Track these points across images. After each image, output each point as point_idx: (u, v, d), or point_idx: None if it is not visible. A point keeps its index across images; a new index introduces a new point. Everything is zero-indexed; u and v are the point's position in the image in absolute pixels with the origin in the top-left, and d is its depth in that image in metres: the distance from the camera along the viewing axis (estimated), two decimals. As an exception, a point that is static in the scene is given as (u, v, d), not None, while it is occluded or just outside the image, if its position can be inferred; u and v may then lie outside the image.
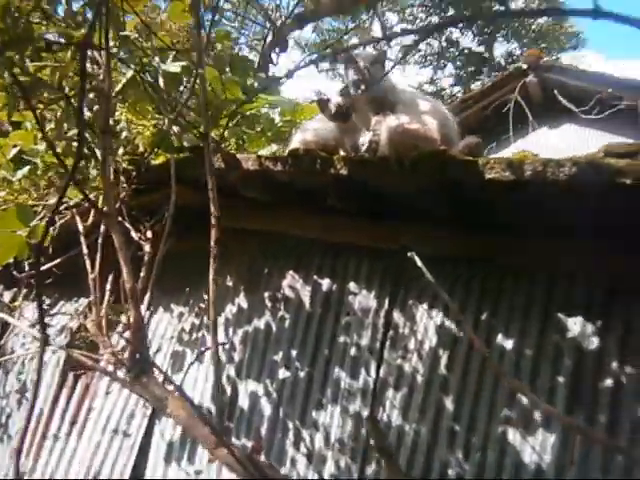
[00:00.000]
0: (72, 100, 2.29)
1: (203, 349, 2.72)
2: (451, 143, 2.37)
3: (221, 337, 2.91)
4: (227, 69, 2.72)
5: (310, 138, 2.65)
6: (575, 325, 2.18)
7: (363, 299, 2.61)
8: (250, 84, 2.72)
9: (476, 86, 12.82)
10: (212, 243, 1.26)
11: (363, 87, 2.37)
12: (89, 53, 2.41)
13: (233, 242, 2.98)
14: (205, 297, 3.06)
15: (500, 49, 14.64)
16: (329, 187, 2.48)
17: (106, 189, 1.52)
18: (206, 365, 2.87)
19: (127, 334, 2.28)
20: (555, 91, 6.32)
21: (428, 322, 2.45)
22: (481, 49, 14.38)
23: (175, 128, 2.88)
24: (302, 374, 2.65)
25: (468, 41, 14.34)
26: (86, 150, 2.39)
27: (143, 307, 2.23)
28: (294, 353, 2.70)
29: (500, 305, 2.33)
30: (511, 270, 2.34)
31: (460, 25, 13.96)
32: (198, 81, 1.85)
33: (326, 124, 2.63)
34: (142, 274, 2.23)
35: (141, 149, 2.99)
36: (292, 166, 2.43)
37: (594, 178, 1.82)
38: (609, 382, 2.08)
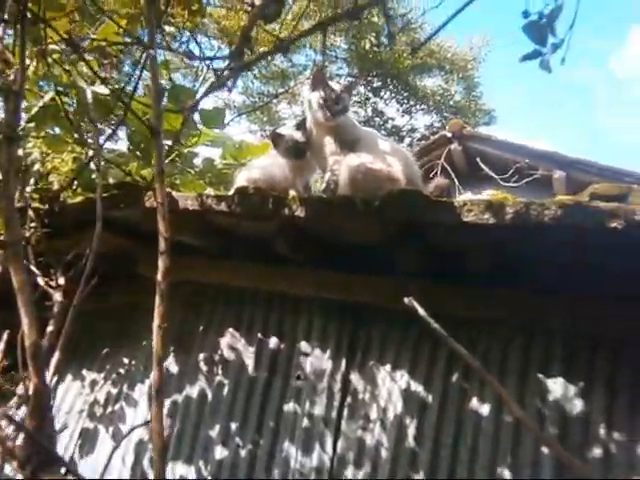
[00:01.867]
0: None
1: (129, 429, 2.24)
2: (415, 186, 2.17)
3: (143, 409, 2.44)
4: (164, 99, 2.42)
5: (258, 176, 2.37)
6: (555, 385, 1.95)
7: (316, 360, 2.27)
8: (190, 116, 2.43)
9: (401, 154, 13.20)
10: (159, 275, 0.91)
11: (333, 111, 2.15)
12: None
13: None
14: (125, 361, 2.60)
15: (422, 120, 15.39)
16: (280, 232, 2.18)
17: (8, 212, 1.15)
18: (124, 445, 2.37)
19: (22, 411, 1.80)
20: (477, 159, 6.61)
21: (392, 386, 2.14)
22: (405, 119, 15.05)
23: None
24: (243, 452, 2.23)
25: (393, 111, 14.98)
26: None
27: (48, 373, 1.77)
28: (234, 426, 2.28)
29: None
30: (485, 325, 2.11)
31: (385, 96, 14.57)
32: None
33: (276, 161, 2.37)
34: (50, 328, 1.78)
35: (56, 186, 2.58)
36: (239, 206, 2.12)
37: (582, 221, 1.65)
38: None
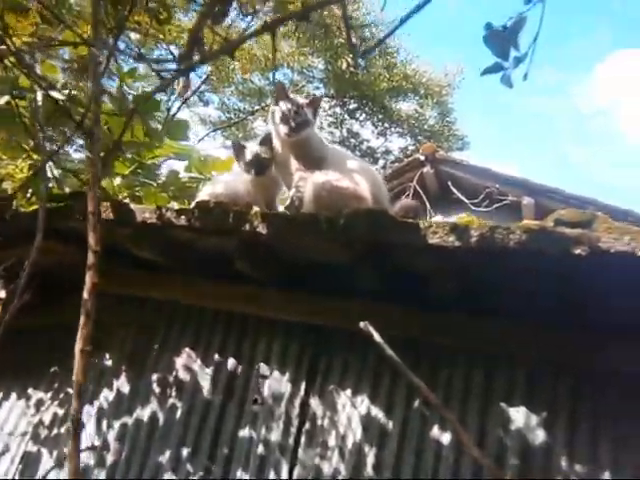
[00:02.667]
0: None
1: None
2: (382, 206, 2.12)
3: (91, 433, 2.31)
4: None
5: (220, 191, 2.30)
6: (518, 414, 1.90)
7: (275, 384, 2.18)
8: (154, 127, 2.35)
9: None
10: (85, 293, 0.82)
11: (293, 125, 2.09)
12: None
13: (115, 311, 2.47)
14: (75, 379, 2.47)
15: (397, 142, 15.54)
16: (241, 249, 2.10)
17: None
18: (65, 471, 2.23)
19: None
20: (449, 183, 6.69)
21: (352, 412, 2.06)
22: (380, 141, 15.18)
23: (55, 171, 2.41)
24: (194, 480, 2.11)
25: (368, 133, 15.10)
26: None
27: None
28: (185, 452, 2.16)
29: (434, 393, 2.01)
30: (446, 352, 2.06)
31: (360, 118, 14.70)
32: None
33: (240, 177, 2.30)
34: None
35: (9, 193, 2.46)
36: (199, 220, 2.04)
37: (547, 247, 1.62)
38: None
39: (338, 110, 14.55)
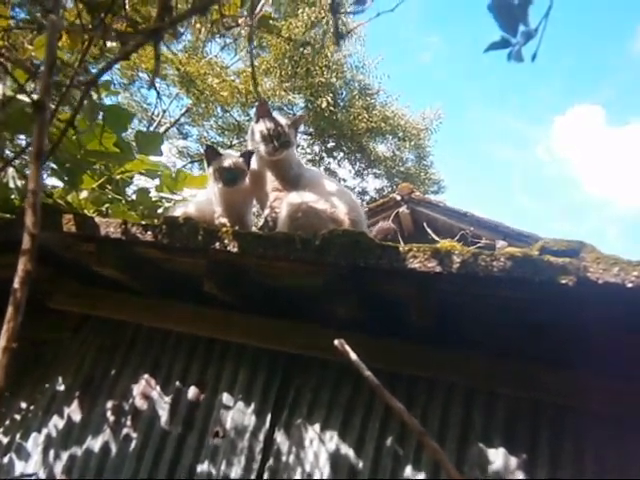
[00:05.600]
0: None
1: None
2: (360, 229, 2.05)
3: (35, 463, 2.12)
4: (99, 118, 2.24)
5: (192, 211, 2.19)
6: (497, 454, 1.80)
7: (238, 415, 2.04)
8: (125, 140, 2.25)
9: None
10: (16, 282, 0.71)
11: (275, 145, 2.02)
12: None
13: (70, 332, 2.32)
14: (23, 406, 2.29)
15: (373, 183, 15.65)
16: (209, 269, 1.99)
17: None
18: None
19: None
20: (424, 223, 6.73)
21: (320, 448, 1.93)
22: (357, 181, 15.27)
23: (19, 181, 2.29)
24: (145, 519, 1.94)
25: (345, 172, 15.20)
26: None
27: None
28: (137, 487, 1.99)
29: (408, 430, 1.89)
30: (423, 384, 1.96)
31: (338, 157, 14.82)
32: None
33: (210, 197, 2.21)
34: None
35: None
36: (167, 236, 1.93)
37: (531, 275, 1.55)
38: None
39: (317, 148, 14.66)
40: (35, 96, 1.93)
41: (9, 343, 0.66)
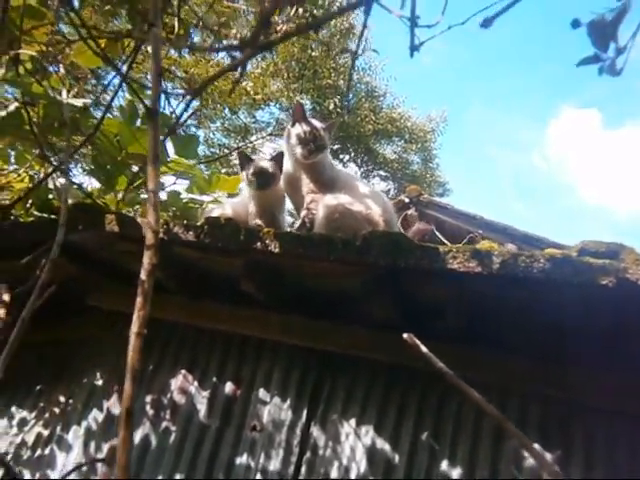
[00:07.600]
0: None
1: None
2: (392, 230, 2.12)
3: (77, 455, 2.19)
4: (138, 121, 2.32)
5: (229, 212, 2.27)
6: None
7: (275, 410, 2.11)
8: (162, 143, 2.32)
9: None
10: (143, 273, 0.79)
11: (310, 148, 2.09)
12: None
13: (108, 329, 2.39)
14: (62, 399, 2.36)
15: (379, 186, 15.72)
16: (247, 269, 2.06)
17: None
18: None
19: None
20: (433, 226, 6.79)
21: (356, 442, 1.99)
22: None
23: (59, 181, 2.36)
24: (186, 509, 2.01)
25: (351, 174, 15.18)
26: None
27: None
28: (178, 478, 2.06)
29: (443, 426, 1.95)
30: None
31: (345, 159, 14.89)
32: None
33: (244, 199, 2.30)
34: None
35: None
36: (209, 236, 1.99)
37: (571, 276, 1.60)
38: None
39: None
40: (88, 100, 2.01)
41: (141, 329, 0.73)
